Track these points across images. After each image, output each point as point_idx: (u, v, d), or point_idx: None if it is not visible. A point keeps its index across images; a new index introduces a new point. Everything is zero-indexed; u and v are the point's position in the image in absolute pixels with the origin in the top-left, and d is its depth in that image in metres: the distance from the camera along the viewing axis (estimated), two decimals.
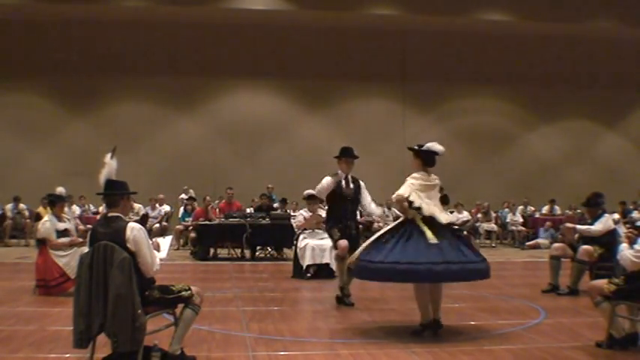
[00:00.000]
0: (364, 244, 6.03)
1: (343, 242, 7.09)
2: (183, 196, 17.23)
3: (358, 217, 14.92)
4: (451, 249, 5.53)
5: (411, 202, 5.72)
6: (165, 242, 5.01)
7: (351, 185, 7.28)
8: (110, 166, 4.65)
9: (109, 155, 4.72)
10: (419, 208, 5.70)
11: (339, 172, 7.26)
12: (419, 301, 5.74)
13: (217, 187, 17.19)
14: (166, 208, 16.32)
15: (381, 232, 5.97)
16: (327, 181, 7.17)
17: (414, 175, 5.93)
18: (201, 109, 20.61)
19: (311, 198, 10.34)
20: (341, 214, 7.27)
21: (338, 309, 7.06)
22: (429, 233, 5.57)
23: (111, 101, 19.95)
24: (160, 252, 4.76)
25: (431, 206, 5.76)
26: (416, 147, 6.08)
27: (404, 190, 5.79)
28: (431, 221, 5.68)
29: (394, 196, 5.88)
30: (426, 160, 6.03)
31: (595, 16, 20.25)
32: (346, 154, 7.33)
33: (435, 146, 6.00)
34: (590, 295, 5.38)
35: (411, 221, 5.74)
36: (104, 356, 4.35)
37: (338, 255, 7.26)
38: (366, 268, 5.69)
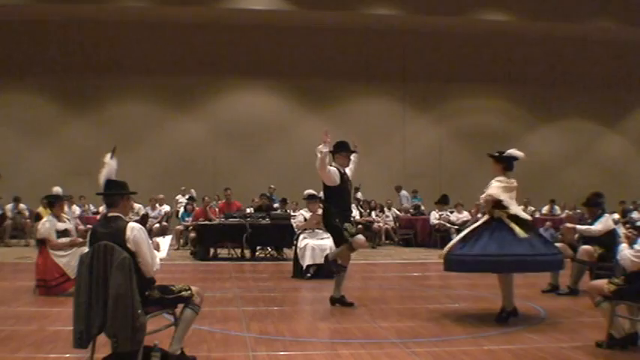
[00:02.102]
0: (454, 240, 6.67)
1: (362, 238, 7.05)
2: (179, 197, 17.24)
3: (358, 217, 15.07)
4: (539, 242, 6.30)
5: (500, 202, 6.35)
6: (165, 242, 5.00)
7: (349, 180, 7.25)
8: (110, 166, 4.65)
9: (108, 155, 4.72)
10: (506, 207, 6.36)
11: (335, 165, 7.13)
12: (504, 291, 6.43)
13: (217, 187, 17.20)
14: (166, 208, 16.33)
15: (470, 228, 6.57)
16: (334, 169, 7.01)
17: (499, 178, 6.52)
18: (201, 109, 20.63)
19: (311, 198, 10.34)
20: (347, 206, 7.15)
21: (338, 309, 7.04)
22: (517, 229, 6.23)
23: (111, 101, 19.97)
24: (159, 252, 4.75)
25: (514, 205, 6.45)
26: (497, 154, 6.71)
27: (496, 192, 6.38)
28: (515, 219, 6.34)
29: (484, 196, 6.44)
30: (508, 165, 6.64)
31: (595, 16, 20.27)
32: (346, 149, 7.20)
33: (515, 152, 6.64)
34: (590, 295, 5.38)
35: (497, 219, 6.37)
36: (104, 356, 4.34)
37: (351, 250, 7.00)
38: (462, 261, 6.31)
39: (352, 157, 7.42)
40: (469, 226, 7.04)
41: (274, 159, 20.32)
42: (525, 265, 6.23)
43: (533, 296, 7.97)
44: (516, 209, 6.44)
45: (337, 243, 7.21)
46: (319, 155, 6.70)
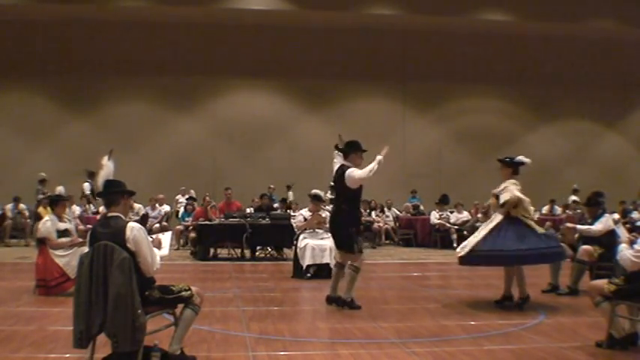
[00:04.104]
0: (477, 239, 7.15)
1: (363, 257, 7.10)
2: (179, 197, 17.23)
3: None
4: (547, 238, 7.04)
5: (520, 203, 7.09)
6: (166, 238, 5.01)
7: None
8: (108, 167, 4.67)
9: (106, 157, 4.73)
10: (526, 208, 7.15)
11: (349, 165, 6.99)
12: (518, 281, 7.17)
13: (217, 187, 17.20)
14: (166, 208, 16.31)
15: (489, 227, 7.13)
16: (356, 171, 6.86)
17: (512, 181, 7.24)
18: (201, 109, 20.62)
19: (316, 198, 10.28)
20: (359, 213, 7.16)
21: (338, 309, 7.03)
22: (537, 226, 7.09)
23: (111, 101, 19.97)
24: (161, 249, 4.76)
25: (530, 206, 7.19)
26: (507, 159, 7.46)
27: (517, 194, 7.10)
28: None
29: (508, 199, 7.03)
30: (515, 169, 7.37)
31: (595, 16, 20.26)
32: (360, 148, 7.13)
33: (524, 159, 7.42)
34: (590, 295, 5.38)
35: (513, 217, 7.06)
36: (104, 356, 4.35)
37: (356, 267, 6.96)
38: (489, 256, 6.99)
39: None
40: (479, 225, 7.42)
41: (274, 159, 20.31)
42: (545, 256, 7.12)
43: (534, 296, 7.96)
44: (530, 209, 7.22)
45: (340, 246, 7.14)
46: (377, 166, 6.78)
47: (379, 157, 6.79)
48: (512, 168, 7.35)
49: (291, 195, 17.76)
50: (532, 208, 7.29)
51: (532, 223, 7.08)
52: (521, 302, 7.09)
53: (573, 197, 17.70)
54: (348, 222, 6.97)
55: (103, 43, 19.63)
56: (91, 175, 15.93)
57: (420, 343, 5.43)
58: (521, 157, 7.41)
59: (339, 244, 7.20)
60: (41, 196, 15.84)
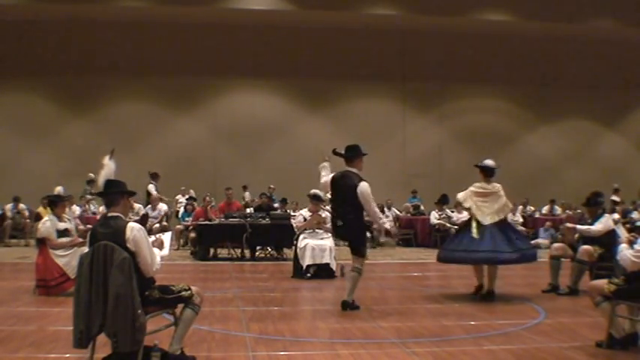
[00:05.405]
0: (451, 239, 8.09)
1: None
2: (179, 197, 17.21)
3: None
4: (496, 241, 7.31)
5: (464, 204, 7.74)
6: (166, 239, 5.02)
7: None
8: (109, 167, 4.67)
9: (107, 157, 4.73)
10: (469, 209, 7.69)
11: (354, 170, 6.97)
12: (482, 274, 7.82)
13: (217, 187, 17.20)
14: (164, 207, 16.27)
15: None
16: (369, 189, 6.86)
17: (475, 183, 7.81)
18: (201, 109, 20.63)
19: (316, 199, 10.26)
20: (365, 220, 7.19)
21: (338, 309, 7.02)
22: (474, 229, 7.46)
23: (111, 101, 19.97)
24: (162, 249, 4.76)
25: (481, 208, 7.59)
26: (478, 164, 7.99)
27: (460, 196, 7.89)
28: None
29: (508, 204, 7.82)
30: (485, 173, 7.85)
31: (595, 16, 20.27)
32: (362, 152, 7.09)
33: (488, 162, 7.91)
34: (590, 295, 5.38)
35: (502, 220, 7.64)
36: (104, 356, 4.35)
37: (359, 269, 6.96)
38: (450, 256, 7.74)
39: (327, 164, 7.36)
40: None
41: (274, 159, 20.31)
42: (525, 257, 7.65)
43: (534, 296, 7.98)
44: (477, 211, 7.72)
45: (352, 244, 7.07)
46: (378, 220, 7.33)
47: (386, 226, 7.96)
48: (481, 171, 7.91)
49: (247, 195, 17.79)
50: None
51: (473, 226, 7.58)
52: (488, 295, 7.65)
53: (613, 197, 17.30)
54: (362, 228, 7.10)
55: (103, 43, 19.63)
56: (154, 177, 15.79)
57: (420, 343, 5.43)
58: (486, 162, 7.94)
59: (348, 240, 7.18)
60: (89, 197, 15.76)
